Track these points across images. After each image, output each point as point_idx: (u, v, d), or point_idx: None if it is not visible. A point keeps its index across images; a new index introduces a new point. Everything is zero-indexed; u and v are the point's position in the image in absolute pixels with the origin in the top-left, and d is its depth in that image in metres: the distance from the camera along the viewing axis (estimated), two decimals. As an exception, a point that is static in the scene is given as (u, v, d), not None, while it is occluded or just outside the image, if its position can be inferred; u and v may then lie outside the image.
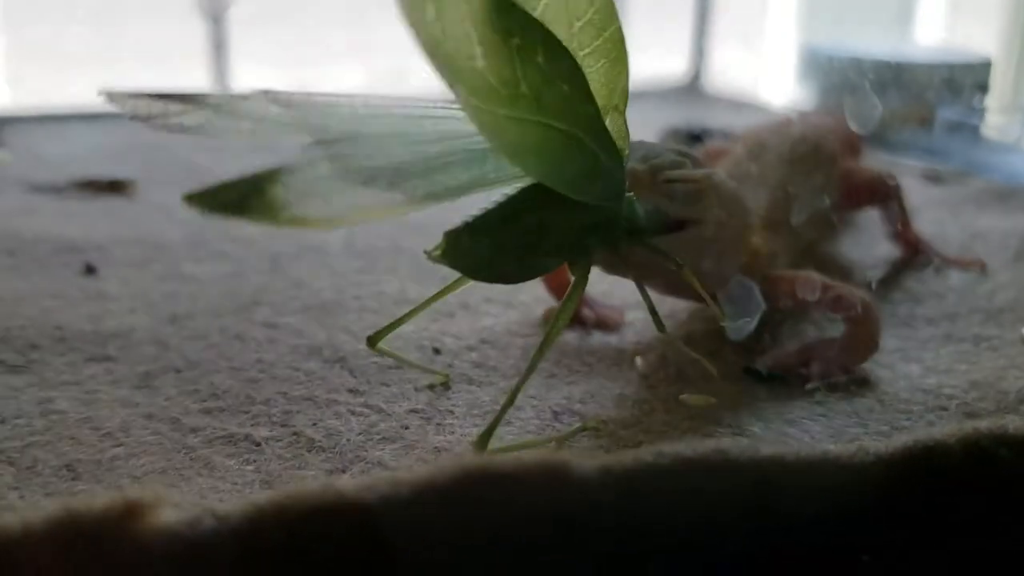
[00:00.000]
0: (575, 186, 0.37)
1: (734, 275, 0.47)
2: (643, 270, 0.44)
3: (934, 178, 0.86)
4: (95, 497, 0.26)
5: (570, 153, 0.36)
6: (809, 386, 0.47)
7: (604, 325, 0.53)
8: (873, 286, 0.59)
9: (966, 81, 0.95)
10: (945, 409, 0.46)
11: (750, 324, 0.43)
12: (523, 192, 0.37)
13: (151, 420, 0.42)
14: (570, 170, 0.36)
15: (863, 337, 0.49)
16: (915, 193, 0.81)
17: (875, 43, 1.07)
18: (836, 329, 0.51)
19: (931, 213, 0.75)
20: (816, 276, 0.51)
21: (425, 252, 0.37)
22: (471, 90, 0.32)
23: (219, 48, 1.04)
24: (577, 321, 0.53)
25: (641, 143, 0.44)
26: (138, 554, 0.26)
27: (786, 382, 0.47)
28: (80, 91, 0.99)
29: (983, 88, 0.95)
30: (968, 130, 0.93)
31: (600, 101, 0.37)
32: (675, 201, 0.42)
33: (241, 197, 0.32)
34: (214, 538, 0.26)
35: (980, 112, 0.95)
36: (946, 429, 0.37)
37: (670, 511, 0.32)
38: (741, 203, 0.48)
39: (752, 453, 0.33)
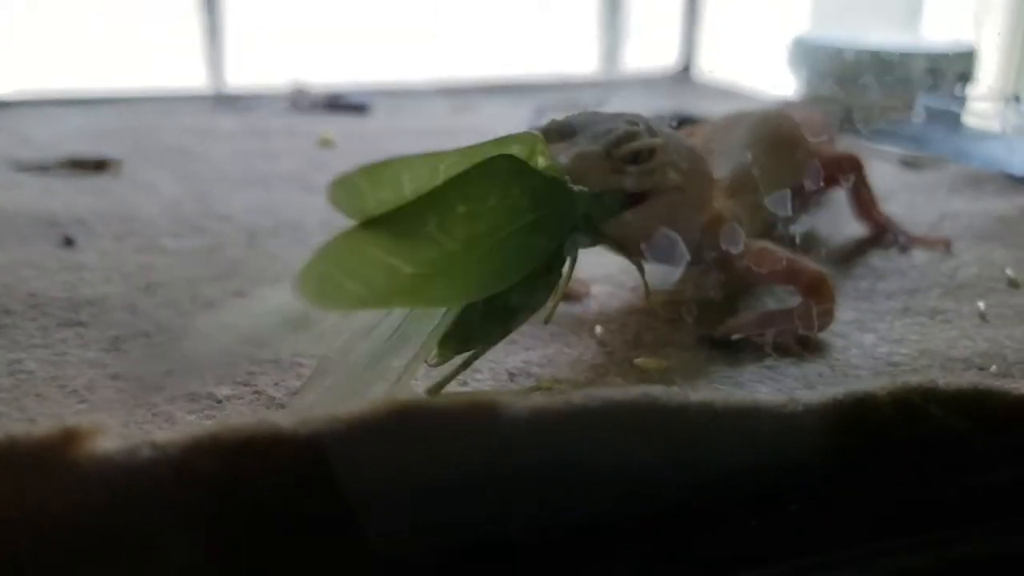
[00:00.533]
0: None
1: (698, 231, 0.48)
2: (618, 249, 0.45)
3: (912, 164, 0.87)
4: (35, 425, 0.27)
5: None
6: (767, 358, 0.48)
7: (569, 296, 0.54)
8: (823, 253, 0.60)
9: (949, 70, 0.96)
10: (893, 375, 0.47)
11: (674, 274, 0.45)
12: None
13: (116, 380, 0.43)
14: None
15: (817, 308, 0.51)
16: (891, 178, 0.82)
17: (864, 34, 1.08)
18: (794, 300, 0.52)
19: (905, 197, 0.77)
20: (773, 247, 0.52)
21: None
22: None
23: (215, 38, 1.06)
24: None
25: (594, 114, 0.45)
26: (76, 480, 0.27)
27: (738, 348, 0.48)
28: (72, 76, 1.01)
29: (965, 77, 0.96)
30: (949, 118, 0.94)
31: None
32: (632, 176, 0.43)
33: None
34: (151, 466, 0.28)
35: (962, 100, 0.96)
36: (877, 383, 0.38)
37: (598, 453, 0.33)
38: (701, 163, 0.49)
39: (681, 399, 0.34)
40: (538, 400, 0.32)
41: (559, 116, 0.45)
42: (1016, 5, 1.15)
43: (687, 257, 0.41)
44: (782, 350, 0.48)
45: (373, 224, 0.37)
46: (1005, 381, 0.47)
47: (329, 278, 0.35)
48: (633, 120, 0.45)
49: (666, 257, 0.41)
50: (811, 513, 0.37)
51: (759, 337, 0.49)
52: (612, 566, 0.33)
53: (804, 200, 0.67)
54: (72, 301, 0.51)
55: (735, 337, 0.50)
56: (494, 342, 0.41)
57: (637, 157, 0.43)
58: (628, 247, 0.44)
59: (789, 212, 0.58)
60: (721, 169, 0.56)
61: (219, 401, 0.42)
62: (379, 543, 0.31)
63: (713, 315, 0.52)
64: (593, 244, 0.43)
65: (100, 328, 0.48)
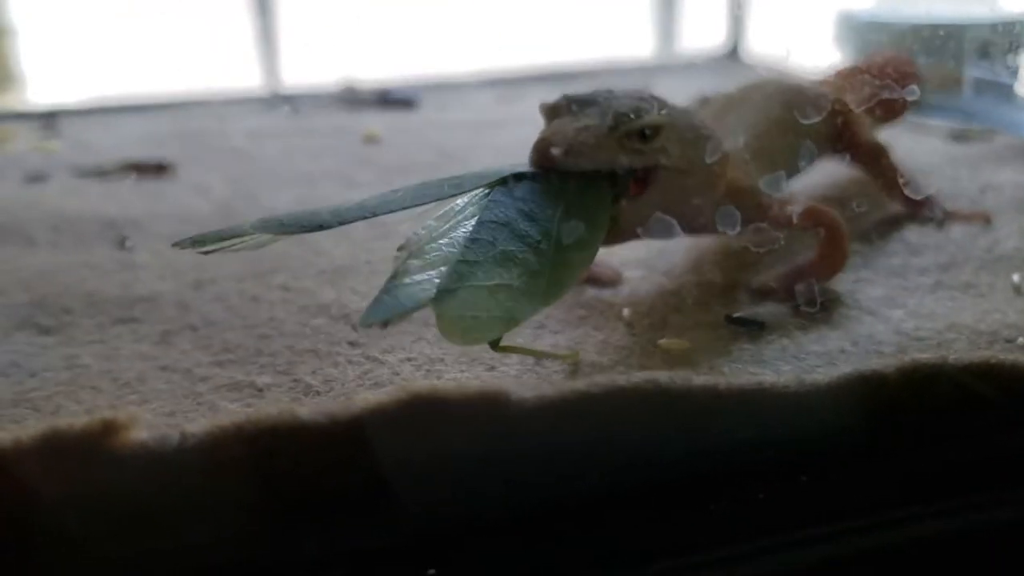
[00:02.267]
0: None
1: (713, 205, 0.50)
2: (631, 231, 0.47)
3: (960, 137, 0.87)
4: (77, 417, 0.30)
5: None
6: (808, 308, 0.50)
7: (599, 281, 0.56)
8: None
9: (1001, 40, 0.95)
10: (919, 350, 0.48)
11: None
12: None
13: (165, 371, 0.46)
14: None
15: (833, 250, 0.53)
16: (937, 152, 0.82)
17: (911, 6, 1.07)
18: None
19: (949, 170, 0.77)
20: (792, 197, 0.55)
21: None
22: None
23: (268, 40, 1.09)
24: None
25: (608, 92, 0.47)
26: (114, 465, 0.30)
27: (764, 328, 0.49)
28: (130, 83, 1.05)
29: (1018, 46, 0.95)
30: (1002, 89, 0.93)
31: None
32: (637, 154, 0.45)
33: None
34: (180, 452, 0.30)
35: (1015, 70, 0.95)
36: (886, 361, 0.39)
37: (602, 437, 0.35)
38: (708, 137, 0.49)
39: (684, 383, 0.35)
40: (543, 388, 0.34)
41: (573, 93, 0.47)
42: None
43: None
44: (810, 301, 0.50)
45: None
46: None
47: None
48: (644, 98, 0.46)
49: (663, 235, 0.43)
50: (823, 484, 0.38)
51: (787, 294, 0.52)
52: (615, 533, 0.34)
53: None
54: (126, 299, 0.54)
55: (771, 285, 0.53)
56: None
57: (643, 135, 0.45)
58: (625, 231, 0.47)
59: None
60: (736, 138, 0.58)
61: (260, 390, 0.44)
62: (395, 518, 0.33)
63: (737, 293, 0.54)
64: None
65: (151, 323, 0.51)
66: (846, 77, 0.70)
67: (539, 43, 1.21)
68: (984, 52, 0.92)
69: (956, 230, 0.64)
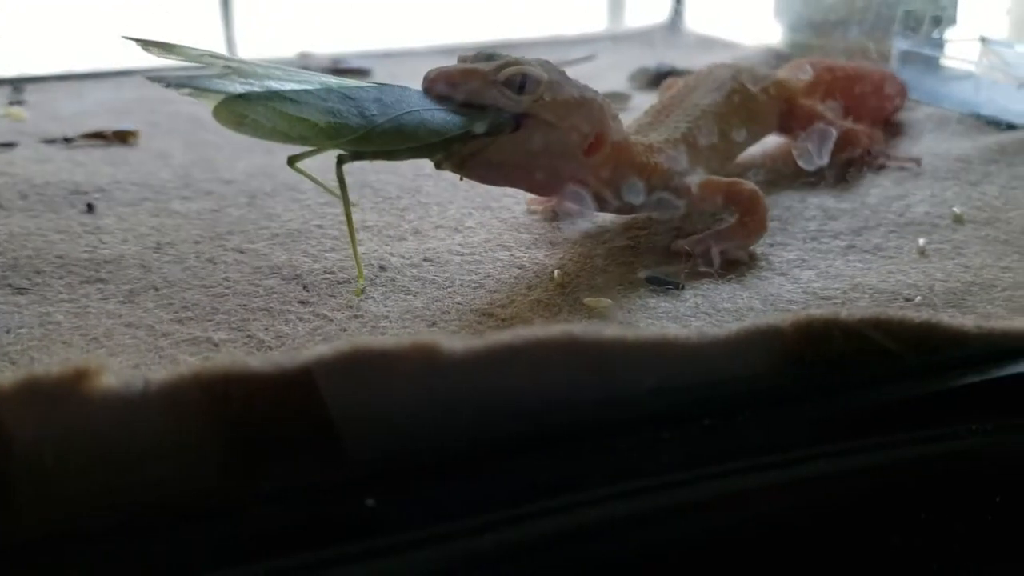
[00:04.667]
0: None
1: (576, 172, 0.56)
2: (483, 171, 0.54)
3: (886, 107, 0.91)
4: (51, 366, 0.34)
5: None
6: (706, 267, 0.57)
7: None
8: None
9: (926, 12, 0.99)
10: (822, 307, 0.52)
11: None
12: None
13: (130, 328, 0.50)
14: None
15: (752, 221, 0.59)
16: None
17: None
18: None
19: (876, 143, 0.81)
20: (715, 178, 0.61)
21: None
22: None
23: (226, 11, 1.11)
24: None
25: (495, 52, 0.53)
26: (85, 408, 0.34)
27: (681, 288, 0.54)
28: (95, 52, 1.07)
29: (941, 19, 1.00)
30: (927, 60, 0.98)
31: None
32: (511, 100, 0.51)
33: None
34: (144, 396, 0.34)
35: (939, 42, 0.99)
36: (783, 316, 0.44)
37: (525, 384, 0.39)
38: (587, 102, 0.55)
39: (595, 334, 0.40)
40: (471, 340, 0.38)
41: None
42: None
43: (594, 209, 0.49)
44: (729, 261, 0.57)
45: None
46: (924, 310, 0.52)
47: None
48: (540, 63, 0.53)
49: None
50: (723, 429, 0.42)
51: (704, 258, 0.57)
52: (535, 470, 0.39)
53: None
54: (93, 261, 0.57)
55: (687, 248, 0.58)
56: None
57: (521, 87, 0.51)
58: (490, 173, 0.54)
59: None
60: (681, 119, 0.63)
61: (216, 345, 0.48)
62: (338, 457, 0.37)
63: (660, 256, 0.59)
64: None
65: (117, 284, 0.55)
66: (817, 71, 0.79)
67: (496, 17, 1.24)
68: (911, 25, 0.97)
69: (871, 197, 0.69)
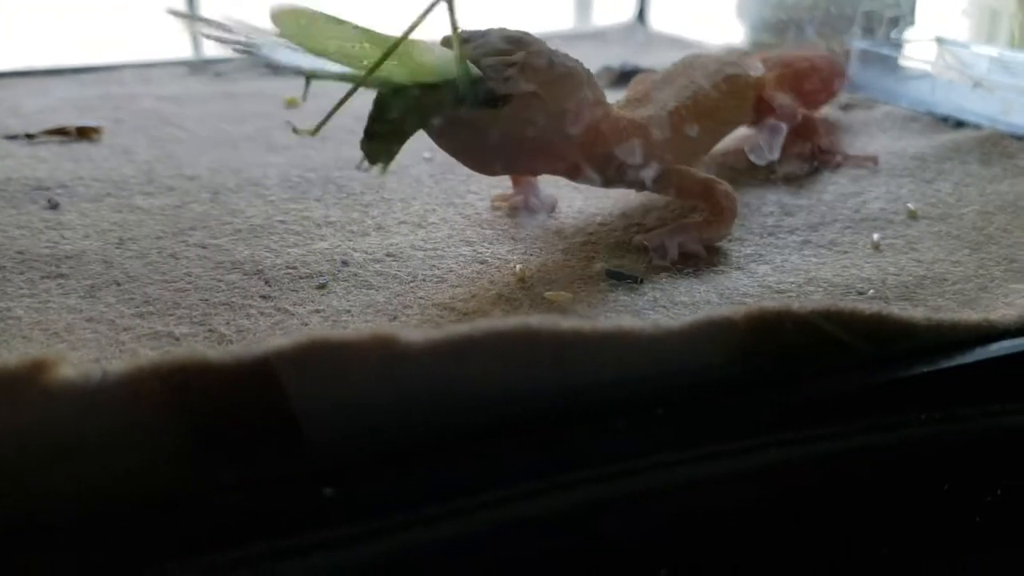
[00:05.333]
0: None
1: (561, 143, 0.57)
2: (467, 147, 0.54)
3: (843, 105, 0.93)
4: (9, 358, 0.34)
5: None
6: (660, 261, 0.58)
7: (531, 208, 0.66)
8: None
9: (885, 13, 1.01)
10: (776, 301, 0.53)
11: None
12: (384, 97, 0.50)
13: (91, 322, 0.50)
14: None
15: (717, 221, 0.60)
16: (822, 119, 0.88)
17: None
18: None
19: (831, 137, 0.82)
20: (691, 169, 0.62)
21: (357, 167, 0.50)
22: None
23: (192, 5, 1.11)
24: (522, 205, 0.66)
25: (482, 32, 0.54)
26: (45, 399, 0.34)
27: (640, 282, 0.55)
28: (58, 47, 1.07)
29: (899, 20, 1.01)
30: (885, 60, 0.99)
31: None
32: (496, 81, 0.51)
33: None
34: (103, 387, 0.34)
35: (898, 43, 1.01)
36: (736, 309, 0.45)
37: (484, 375, 0.40)
38: (569, 76, 0.56)
39: (552, 326, 0.40)
40: (430, 332, 0.39)
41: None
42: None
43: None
44: (690, 256, 0.58)
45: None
46: (875, 303, 0.53)
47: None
48: (521, 37, 0.54)
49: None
50: (675, 416, 0.43)
51: (659, 252, 0.58)
52: (492, 460, 0.39)
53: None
54: (55, 256, 0.57)
55: (646, 243, 0.59)
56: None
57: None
58: (466, 145, 0.54)
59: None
60: (660, 105, 0.65)
61: (177, 339, 0.49)
62: (297, 447, 0.38)
63: (620, 250, 0.59)
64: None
65: (78, 279, 0.55)
66: (770, 65, 0.80)
67: (466, 13, 1.25)
68: (870, 26, 0.98)
69: (828, 193, 0.70)
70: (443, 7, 0.49)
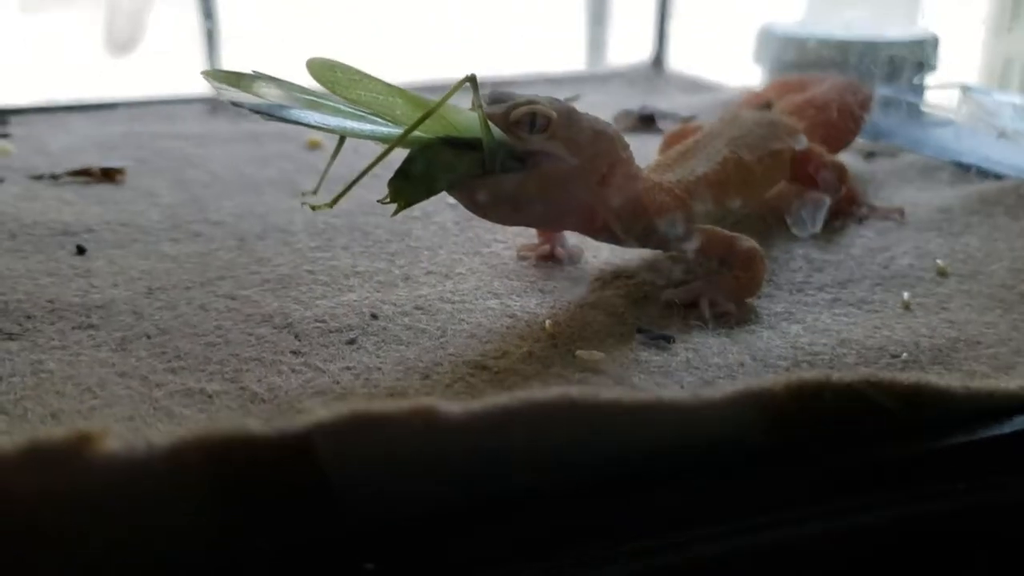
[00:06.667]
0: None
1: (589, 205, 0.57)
2: (495, 208, 0.55)
3: (867, 154, 0.92)
4: (55, 430, 0.34)
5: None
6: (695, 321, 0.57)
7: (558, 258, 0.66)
8: None
9: (908, 59, 1.01)
10: (811, 364, 0.53)
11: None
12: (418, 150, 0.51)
13: (124, 377, 0.50)
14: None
15: (746, 278, 0.60)
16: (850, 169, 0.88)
17: (830, 24, 1.13)
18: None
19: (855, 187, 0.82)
20: (719, 230, 0.61)
21: (379, 200, 0.51)
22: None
23: (211, 40, 1.12)
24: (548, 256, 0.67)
25: (506, 93, 0.55)
26: (88, 472, 0.34)
27: (672, 341, 0.54)
28: (81, 84, 1.07)
29: (923, 66, 1.01)
30: (908, 106, 0.99)
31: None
32: (525, 140, 0.52)
33: None
34: (146, 460, 0.34)
35: (920, 89, 1.01)
36: (776, 378, 0.45)
37: (522, 445, 0.39)
38: (601, 136, 0.56)
39: (592, 397, 0.40)
40: (470, 404, 0.39)
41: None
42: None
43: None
44: (718, 314, 0.58)
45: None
46: (909, 368, 0.53)
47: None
48: (550, 103, 0.54)
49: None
50: (715, 488, 0.43)
51: (693, 309, 0.58)
52: (532, 530, 0.39)
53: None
54: (85, 306, 0.57)
55: (676, 300, 0.59)
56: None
57: (533, 126, 0.53)
58: (500, 210, 0.55)
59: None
60: (699, 165, 0.65)
61: (209, 396, 0.48)
62: (338, 518, 0.37)
63: (650, 305, 0.59)
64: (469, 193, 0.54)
65: (109, 330, 0.55)
66: (797, 107, 0.81)
67: (481, 55, 1.26)
68: (892, 71, 0.98)
69: (855, 247, 0.70)
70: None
